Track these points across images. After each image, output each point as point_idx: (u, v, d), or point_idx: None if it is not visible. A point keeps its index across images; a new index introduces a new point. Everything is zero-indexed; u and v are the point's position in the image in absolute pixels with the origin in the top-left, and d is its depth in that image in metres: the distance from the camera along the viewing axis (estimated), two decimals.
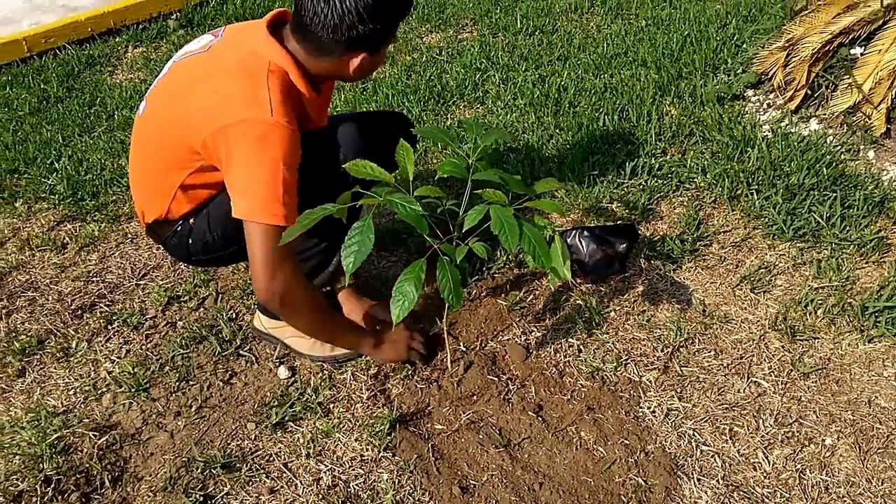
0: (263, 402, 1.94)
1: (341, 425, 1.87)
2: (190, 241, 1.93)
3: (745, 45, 3.38)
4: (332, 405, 1.92)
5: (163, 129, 1.80)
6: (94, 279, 2.37)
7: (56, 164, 2.89)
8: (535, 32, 3.74)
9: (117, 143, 3.00)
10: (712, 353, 2.02)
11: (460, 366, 2.00)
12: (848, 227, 2.35)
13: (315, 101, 1.80)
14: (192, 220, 1.90)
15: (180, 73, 1.81)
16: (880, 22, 2.80)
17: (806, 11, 3.07)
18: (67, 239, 2.54)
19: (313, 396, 1.94)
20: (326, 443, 1.84)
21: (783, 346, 2.02)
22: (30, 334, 2.17)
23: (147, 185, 1.90)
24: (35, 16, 4.02)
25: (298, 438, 1.85)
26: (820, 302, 2.13)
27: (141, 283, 2.35)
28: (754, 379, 1.94)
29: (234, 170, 1.66)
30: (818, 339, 2.04)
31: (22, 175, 2.87)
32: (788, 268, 2.27)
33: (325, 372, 2.01)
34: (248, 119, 1.63)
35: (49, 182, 2.79)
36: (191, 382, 2.01)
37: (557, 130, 2.92)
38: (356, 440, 1.84)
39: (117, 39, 3.92)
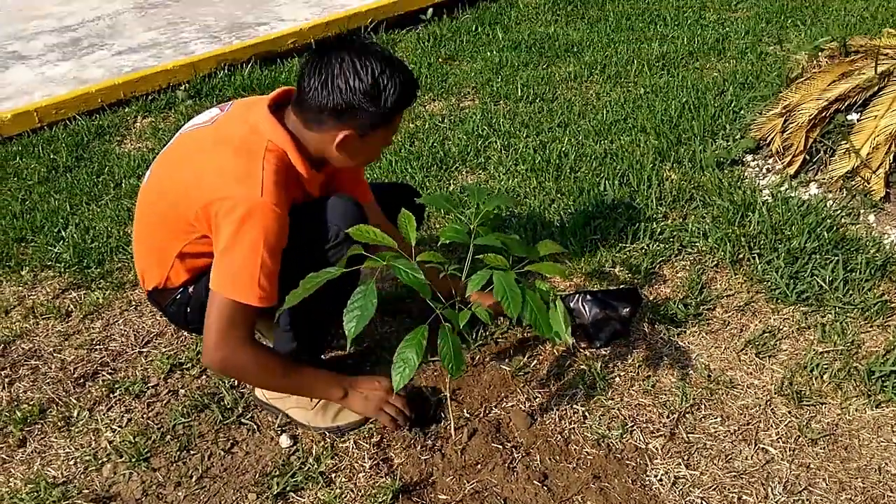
0: (265, 472, 1.92)
1: (343, 496, 1.84)
2: (188, 310, 1.95)
3: (742, 112, 3.43)
4: (333, 475, 1.90)
5: (162, 197, 1.83)
6: (98, 347, 2.37)
7: (63, 233, 2.92)
8: (536, 100, 3.81)
9: (124, 211, 3.03)
10: (719, 418, 2.00)
11: (464, 433, 1.98)
12: (851, 291, 2.35)
13: (315, 180, 1.83)
14: (191, 289, 1.92)
15: (184, 144, 1.86)
16: (875, 88, 2.85)
17: (802, 79, 3.13)
18: (72, 307, 2.55)
19: (315, 466, 1.92)
20: None
21: (790, 412, 2.00)
22: (32, 403, 2.16)
23: (147, 252, 1.93)
24: (48, 88, 4.12)
25: None
26: (826, 366, 2.11)
27: (144, 350, 2.35)
28: (762, 445, 1.92)
29: (219, 244, 1.70)
30: (825, 404, 2.02)
31: (29, 243, 2.90)
32: (793, 332, 2.26)
33: (328, 441, 1.99)
34: (237, 196, 1.66)
35: (55, 250, 2.81)
36: (192, 452, 1.99)
37: (559, 195, 2.95)
38: None
39: (126, 110, 3.99)
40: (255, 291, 1.69)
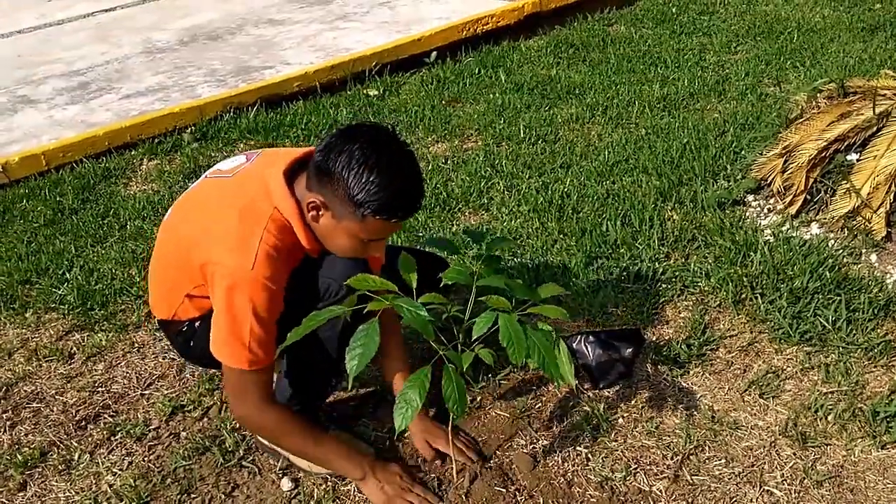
0: None
1: None
2: (191, 344, 1.97)
3: (743, 152, 3.46)
4: None
5: (176, 241, 1.87)
6: (100, 389, 2.37)
7: (67, 275, 2.94)
8: (538, 141, 3.84)
9: (129, 252, 3.05)
10: (723, 460, 1.99)
11: (466, 477, 1.96)
12: (854, 331, 2.35)
13: (318, 249, 1.81)
14: (196, 324, 1.94)
15: (204, 191, 1.89)
16: (874, 129, 2.87)
17: (801, 119, 3.16)
18: (75, 349, 2.56)
19: None
20: None
21: (795, 454, 1.99)
22: (33, 446, 2.15)
23: (159, 286, 1.97)
24: (55, 131, 4.17)
25: None
26: (830, 407, 2.10)
27: (146, 392, 2.35)
28: (767, 488, 1.90)
29: (214, 305, 1.74)
30: (830, 445, 2.00)
31: (34, 285, 2.91)
32: (797, 372, 2.25)
33: (329, 484, 1.97)
34: (228, 265, 1.68)
35: (60, 292, 2.82)
36: (192, 495, 1.98)
37: (561, 236, 2.97)
38: None
39: (133, 152, 4.03)
40: (245, 356, 1.71)
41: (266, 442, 2.05)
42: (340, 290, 1.79)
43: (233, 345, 1.71)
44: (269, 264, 1.68)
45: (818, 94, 3.28)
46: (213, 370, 2.29)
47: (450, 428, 2.01)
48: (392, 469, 1.93)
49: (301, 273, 1.79)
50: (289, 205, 1.72)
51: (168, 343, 2.36)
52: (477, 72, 4.86)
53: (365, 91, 4.68)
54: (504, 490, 1.93)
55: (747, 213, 3.05)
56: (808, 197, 2.96)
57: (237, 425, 2.17)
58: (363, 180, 1.60)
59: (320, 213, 1.70)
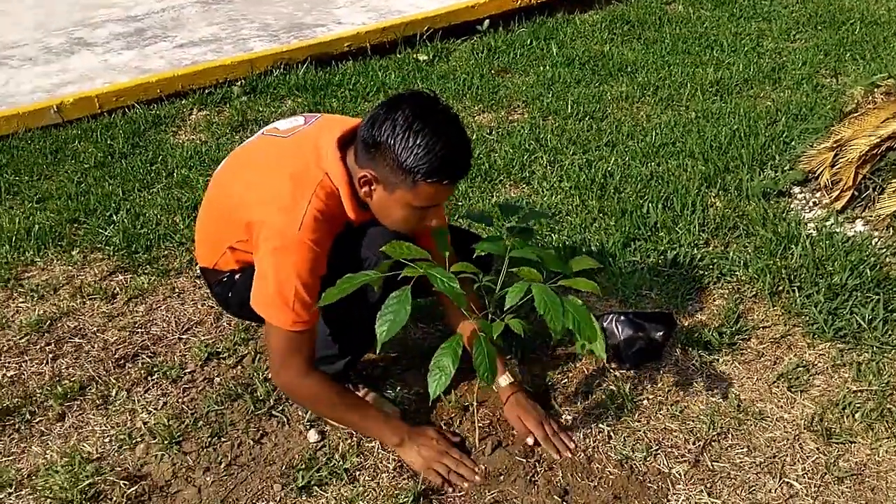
0: (291, 465, 1.96)
1: (366, 494, 1.88)
2: (230, 294, 2.02)
3: (793, 143, 3.40)
4: (358, 473, 1.94)
5: (225, 194, 1.91)
6: (140, 330, 2.44)
7: (114, 217, 3.01)
8: (585, 118, 3.82)
9: (174, 200, 3.11)
10: (745, 449, 1.99)
11: (488, 444, 2.00)
12: (890, 332, 2.32)
13: (363, 219, 1.82)
14: (237, 276, 1.98)
15: (259, 148, 1.92)
16: None
17: (856, 114, 3.10)
18: (118, 289, 2.63)
19: (340, 462, 1.95)
20: None
21: (818, 448, 1.99)
22: (73, 380, 2.23)
23: (205, 236, 2.03)
24: (110, 75, 4.24)
25: (322, 503, 1.86)
26: (858, 405, 2.09)
27: (183, 337, 2.41)
28: (787, 479, 1.91)
29: (257, 264, 1.77)
30: (855, 443, 2.00)
31: (81, 225, 2.99)
32: (827, 368, 2.24)
33: (354, 439, 2.02)
34: (275, 225, 1.71)
35: (106, 233, 2.90)
36: (222, 439, 2.04)
37: (601, 215, 2.96)
38: None
39: (183, 102, 4.09)
40: (289, 316, 1.74)
41: None
42: (379, 262, 1.78)
43: (277, 305, 1.74)
44: (315, 228, 1.70)
45: (876, 89, 3.21)
46: (249, 321, 2.35)
47: (475, 396, 2.04)
48: (428, 433, 1.95)
49: (343, 241, 1.82)
50: (339, 172, 1.74)
51: (208, 291, 2.42)
52: (529, 43, 4.82)
53: (415, 55, 4.67)
54: (524, 460, 1.96)
55: (792, 205, 3.01)
56: (856, 193, 2.91)
57: (269, 375, 2.23)
58: (410, 145, 1.61)
59: (373, 187, 1.71)
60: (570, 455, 1.96)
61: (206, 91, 4.18)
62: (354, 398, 1.97)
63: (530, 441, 1.98)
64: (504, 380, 2.04)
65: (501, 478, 1.91)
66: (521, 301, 1.71)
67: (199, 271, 2.16)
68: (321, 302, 1.66)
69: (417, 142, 1.61)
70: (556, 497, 1.86)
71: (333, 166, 1.74)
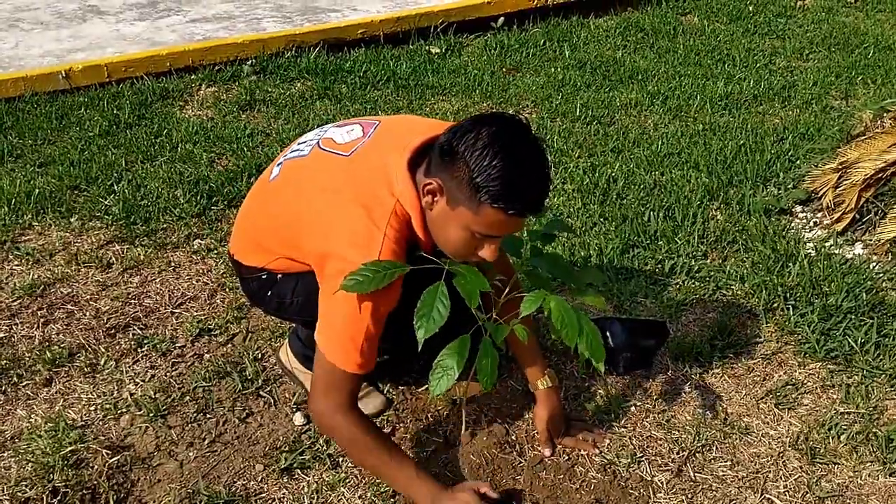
0: (275, 446, 1.96)
1: (348, 480, 1.88)
2: (269, 293, 1.89)
3: (798, 162, 3.40)
4: (341, 458, 1.93)
5: (282, 206, 1.78)
6: (133, 301, 2.44)
7: (115, 187, 3.00)
8: (593, 122, 3.81)
9: (176, 174, 3.11)
10: (728, 463, 1.99)
11: (474, 440, 2.00)
12: (881, 356, 2.32)
13: (432, 245, 1.70)
14: (279, 276, 1.85)
15: (319, 165, 1.76)
16: None
17: (863, 137, 3.10)
18: (113, 259, 2.62)
19: (324, 448, 1.95)
20: (330, 496, 1.84)
21: (801, 467, 1.99)
22: (62, 346, 2.23)
23: (251, 237, 1.89)
24: (120, 45, 4.23)
25: (304, 487, 1.86)
26: (844, 427, 2.09)
27: (176, 311, 2.41)
28: (768, 496, 1.91)
29: (322, 298, 1.66)
30: (838, 464, 2.00)
31: (81, 192, 2.98)
32: (816, 388, 2.24)
33: None
34: (349, 259, 1.58)
35: (106, 202, 2.89)
36: (208, 415, 2.04)
37: (602, 220, 2.96)
38: (360, 497, 1.84)
39: (192, 77, 4.08)
40: (355, 359, 1.63)
41: (287, 364, 2.10)
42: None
43: (346, 344, 1.63)
44: (393, 259, 1.59)
45: (885, 114, 3.21)
46: (244, 300, 2.35)
47: (465, 392, 2.03)
48: (460, 496, 1.72)
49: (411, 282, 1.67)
50: (410, 196, 1.62)
51: (203, 267, 2.42)
52: (542, 43, 4.82)
53: (427, 48, 4.67)
54: (507, 458, 1.95)
55: (793, 224, 3.01)
56: (857, 216, 2.91)
57: (259, 355, 2.23)
58: (486, 163, 1.49)
59: (436, 198, 1.59)
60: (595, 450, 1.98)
61: (216, 68, 4.18)
62: (392, 445, 1.78)
63: (547, 452, 1.97)
64: (543, 383, 1.98)
65: (484, 474, 1.91)
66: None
67: (229, 259, 2.01)
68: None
69: (494, 162, 1.48)
70: (537, 496, 1.86)
71: (405, 191, 1.62)
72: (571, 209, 3.02)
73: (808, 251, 2.81)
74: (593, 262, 2.68)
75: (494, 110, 1.60)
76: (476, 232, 1.58)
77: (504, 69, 4.45)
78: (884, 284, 2.64)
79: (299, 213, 1.71)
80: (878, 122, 3.19)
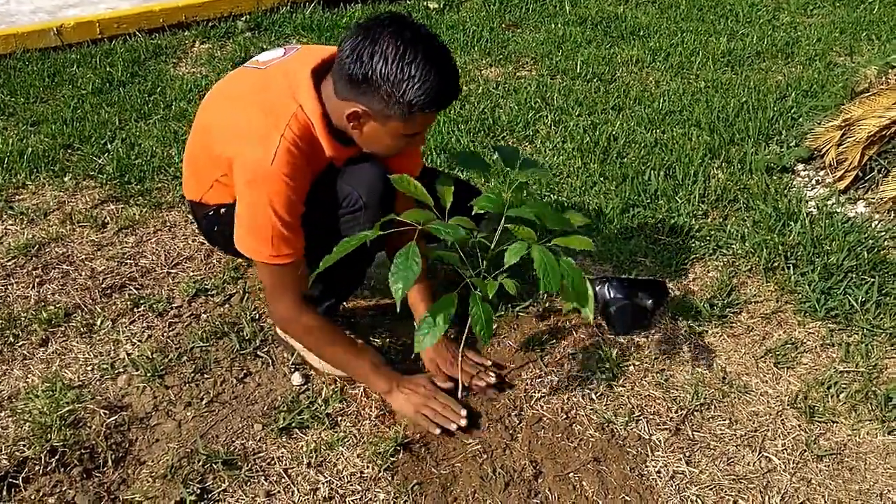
0: (273, 406, 1.95)
1: (346, 439, 1.88)
2: (216, 228, 1.98)
3: (801, 119, 3.36)
4: (339, 418, 1.93)
5: (205, 126, 1.87)
6: (128, 261, 2.42)
7: (109, 146, 2.97)
8: (594, 79, 3.76)
9: (170, 132, 3.07)
10: (727, 421, 1.99)
11: (472, 397, 1.99)
12: (882, 315, 2.31)
13: (343, 154, 1.80)
14: (222, 210, 1.93)
15: (237, 81, 1.88)
16: None
17: (867, 94, 3.05)
18: (108, 219, 2.60)
19: (323, 407, 1.95)
20: (329, 455, 1.84)
21: (800, 425, 1.99)
22: (58, 306, 2.21)
23: (190, 169, 1.99)
24: (113, 1, 4.15)
25: (302, 446, 1.86)
26: (843, 386, 2.09)
27: (172, 271, 2.39)
28: (766, 454, 1.91)
29: (237, 199, 1.75)
30: (837, 423, 2.00)
31: (75, 151, 2.95)
32: (816, 347, 2.24)
33: (338, 384, 2.02)
34: (248, 159, 1.68)
35: (100, 161, 2.86)
36: (206, 375, 2.03)
37: (601, 178, 2.93)
38: (358, 456, 1.84)
39: (186, 33, 4.01)
40: (266, 250, 1.73)
41: (282, 333, 2.09)
42: (359, 200, 1.79)
43: (254, 238, 1.73)
44: (289, 161, 1.67)
45: (890, 70, 3.16)
46: (239, 259, 2.33)
47: (460, 348, 2.03)
48: (417, 381, 1.95)
49: (321, 178, 1.79)
50: (312, 104, 1.71)
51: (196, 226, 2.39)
52: None
53: (425, 3, 4.59)
54: (506, 415, 1.95)
55: (794, 182, 2.98)
56: (860, 174, 2.88)
57: (256, 315, 2.22)
58: (404, 77, 1.58)
59: (361, 120, 1.68)
60: (480, 386, 2.00)
61: (210, 24, 4.11)
62: (349, 340, 1.96)
63: (444, 386, 1.98)
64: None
65: (482, 431, 1.91)
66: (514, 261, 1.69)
67: (188, 205, 2.11)
68: (320, 267, 1.63)
69: (412, 73, 1.58)
70: (535, 454, 1.86)
71: (307, 101, 1.71)
72: (571, 168, 2.99)
73: (810, 210, 2.78)
74: (593, 221, 2.66)
75: (377, 18, 1.62)
76: (408, 134, 1.72)
77: (503, 25, 4.37)
78: (886, 243, 2.62)
79: (211, 123, 1.82)
80: (883, 79, 3.14)
